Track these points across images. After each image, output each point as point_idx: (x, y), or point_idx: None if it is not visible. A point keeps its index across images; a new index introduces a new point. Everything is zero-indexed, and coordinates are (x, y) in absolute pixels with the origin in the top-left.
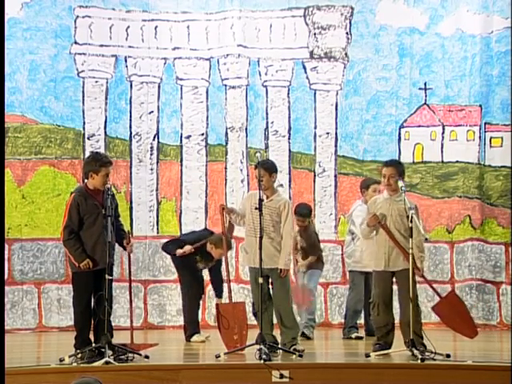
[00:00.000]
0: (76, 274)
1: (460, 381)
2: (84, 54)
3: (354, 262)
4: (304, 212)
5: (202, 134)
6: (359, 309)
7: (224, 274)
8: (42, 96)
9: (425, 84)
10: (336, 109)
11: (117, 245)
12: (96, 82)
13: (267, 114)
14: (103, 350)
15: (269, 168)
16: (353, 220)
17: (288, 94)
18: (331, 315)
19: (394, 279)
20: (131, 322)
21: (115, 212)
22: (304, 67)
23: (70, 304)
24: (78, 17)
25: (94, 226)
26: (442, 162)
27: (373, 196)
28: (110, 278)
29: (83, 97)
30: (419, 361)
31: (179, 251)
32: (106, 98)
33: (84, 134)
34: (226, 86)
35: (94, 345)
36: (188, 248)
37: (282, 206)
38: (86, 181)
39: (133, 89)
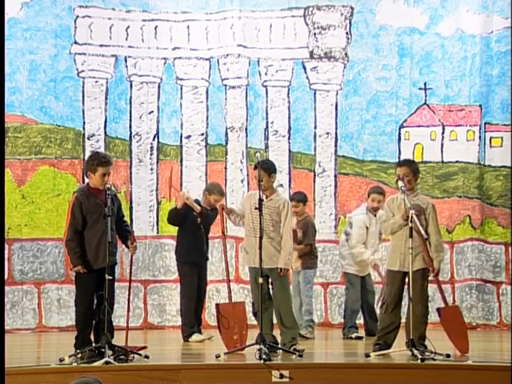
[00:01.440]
0: (79, 274)
1: (460, 381)
2: (84, 54)
3: (348, 264)
4: (299, 197)
5: (202, 134)
6: (357, 308)
7: (224, 273)
8: (42, 96)
9: (425, 84)
10: (336, 109)
11: (120, 245)
12: (96, 82)
13: (267, 114)
14: (103, 349)
15: (268, 168)
16: (351, 223)
17: (288, 94)
18: (331, 315)
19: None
20: (127, 323)
21: (119, 212)
22: (304, 67)
23: (69, 304)
24: (78, 17)
25: (97, 225)
26: (442, 162)
27: (372, 205)
28: (110, 277)
29: (83, 97)
30: (419, 361)
31: (178, 204)
32: (106, 98)
33: (84, 134)
34: (225, 86)
35: (94, 345)
36: (182, 195)
37: (282, 206)
38: (87, 180)
39: (133, 89)
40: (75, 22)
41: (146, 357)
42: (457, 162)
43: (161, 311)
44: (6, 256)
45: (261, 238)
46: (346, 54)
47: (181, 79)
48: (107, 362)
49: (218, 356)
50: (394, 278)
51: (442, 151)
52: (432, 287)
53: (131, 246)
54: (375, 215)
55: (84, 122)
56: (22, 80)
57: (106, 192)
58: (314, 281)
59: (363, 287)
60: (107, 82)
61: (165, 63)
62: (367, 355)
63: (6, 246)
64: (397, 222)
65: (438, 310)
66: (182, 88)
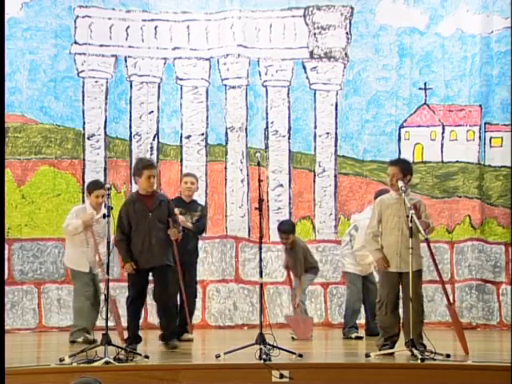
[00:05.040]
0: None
1: (460, 381)
2: (84, 54)
3: (349, 263)
4: (286, 228)
5: (202, 134)
6: (358, 308)
7: (224, 273)
8: (41, 96)
9: (425, 84)
10: (336, 109)
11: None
12: (96, 81)
13: (267, 114)
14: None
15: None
16: (356, 226)
17: (288, 94)
18: (331, 315)
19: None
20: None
21: (169, 214)
22: (304, 67)
23: (69, 304)
24: (77, 17)
25: (139, 228)
26: (442, 161)
27: None
28: (109, 277)
29: (83, 97)
30: (419, 361)
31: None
32: (106, 98)
33: (84, 134)
34: (225, 85)
35: (93, 344)
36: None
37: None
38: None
39: (133, 89)
40: (75, 21)
41: (146, 357)
42: (457, 162)
43: None
44: (6, 256)
45: (261, 237)
46: (345, 54)
47: (181, 79)
48: (107, 362)
49: (217, 356)
50: (390, 278)
51: (441, 151)
52: (432, 287)
53: (171, 231)
54: None
55: (84, 122)
56: (22, 80)
57: (154, 195)
58: (309, 282)
59: (365, 286)
60: (107, 82)
61: (165, 63)
62: (367, 355)
63: (6, 246)
64: (373, 255)
65: (447, 306)
66: (181, 88)
